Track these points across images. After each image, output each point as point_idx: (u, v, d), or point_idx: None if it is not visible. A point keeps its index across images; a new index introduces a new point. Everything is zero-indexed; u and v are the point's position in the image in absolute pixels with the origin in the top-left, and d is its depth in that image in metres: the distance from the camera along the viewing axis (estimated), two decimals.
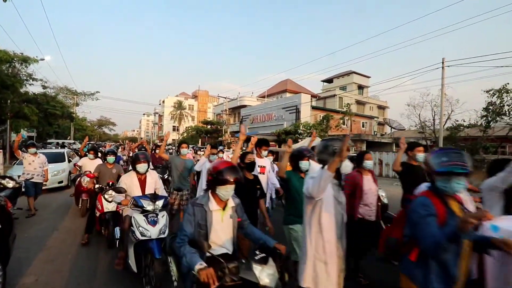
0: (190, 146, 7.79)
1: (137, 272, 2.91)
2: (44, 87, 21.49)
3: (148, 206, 2.92)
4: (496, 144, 14.04)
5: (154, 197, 3.00)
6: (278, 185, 4.45)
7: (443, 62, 13.83)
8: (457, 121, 15.21)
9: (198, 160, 6.66)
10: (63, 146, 19.64)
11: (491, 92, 13.33)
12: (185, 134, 39.82)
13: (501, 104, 13.10)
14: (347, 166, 2.04)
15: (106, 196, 4.15)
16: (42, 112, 20.02)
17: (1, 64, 13.53)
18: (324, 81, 40.76)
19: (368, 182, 3.23)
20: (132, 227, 2.88)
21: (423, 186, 2.42)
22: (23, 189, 5.68)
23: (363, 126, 30.10)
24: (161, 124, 58.49)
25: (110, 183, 4.26)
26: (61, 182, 8.65)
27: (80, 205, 5.80)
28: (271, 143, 4.62)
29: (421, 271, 1.57)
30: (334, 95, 33.45)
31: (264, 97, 36.95)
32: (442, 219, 1.51)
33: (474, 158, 12.17)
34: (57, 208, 6.46)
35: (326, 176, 1.73)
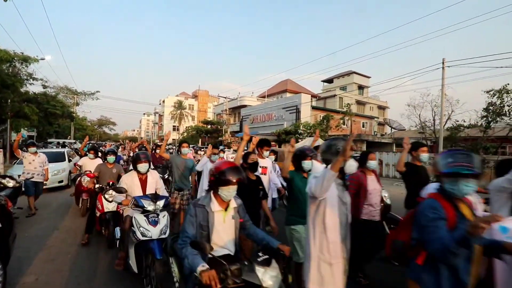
0: (190, 146, 7.78)
1: (137, 272, 2.90)
2: (44, 86, 21.50)
3: (149, 206, 2.90)
4: (496, 145, 14.04)
5: (155, 197, 2.99)
6: (279, 185, 4.43)
7: (443, 63, 13.83)
8: (457, 121, 15.23)
9: (198, 160, 6.66)
10: (63, 145, 19.64)
11: (491, 93, 13.33)
12: (185, 134, 39.82)
13: (501, 105, 13.10)
14: (351, 166, 2.01)
15: (106, 196, 4.14)
16: (42, 112, 20.04)
17: (1, 64, 13.53)
18: (324, 81, 40.78)
19: (372, 182, 3.21)
20: (132, 227, 2.86)
21: (431, 187, 2.36)
22: (23, 189, 5.69)
23: (363, 126, 30.10)
24: (161, 124, 58.52)
25: (111, 183, 4.25)
26: (61, 181, 8.66)
27: (80, 205, 5.80)
28: (271, 143, 4.59)
29: (430, 276, 1.54)
30: (334, 95, 33.45)
31: (264, 97, 36.95)
32: (452, 223, 1.47)
33: None
34: (57, 208, 6.46)
35: (330, 175, 1.71)
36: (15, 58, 14.65)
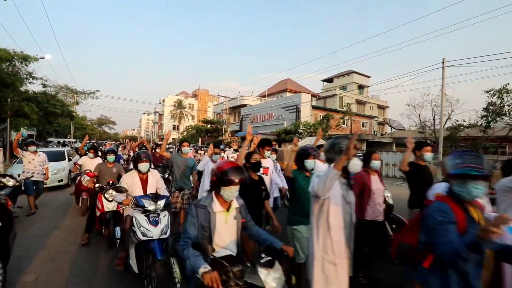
0: (191, 145, 7.77)
1: (138, 273, 2.89)
2: (44, 85, 21.54)
3: (150, 206, 2.89)
4: (496, 144, 14.05)
5: (155, 197, 2.97)
6: (281, 185, 4.39)
7: (443, 62, 13.82)
8: (457, 121, 15.26)
9: (199, 159, 6.63)
10: (64, 144, 19.63)
11: (491, 92, 13.35)
12: (185, 133, 39.81)
13: (501, 104, 13.12)
14: (355, 165, 1.96)
15: (106, 195, 4.12)
16: (42, 111, 20.02)
17: (1, 63, 13.50)
18: (324, 80, 40.74)
19: (375, 182, 3.20)
20: (133, 227, 2.85)
21: (438, 186, 2.32)
22: (23, 188, 5.69)
23: (363, 126, 30.10)
24: (161, 123, 58.50)
25: (111, 182, 4.24)
26: (61, 180, 8.65)
27: (80, 204, 5.80)
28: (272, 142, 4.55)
29: (438, 279, 1.50)
30: (334, 95, 33.44)
31: (264, 96, 36.93)
32: (462, 227, 1.43)
33: None
34: (58, 207, 6.46)
35: (332, 174, 1.69)
36: (15, 57, 14.62)
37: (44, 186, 6.53)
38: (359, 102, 35.67)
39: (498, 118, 13.34)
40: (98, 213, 4.27)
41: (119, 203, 3.14)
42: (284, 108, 26.31)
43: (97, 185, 4.28)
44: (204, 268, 1.50)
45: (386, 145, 22.03)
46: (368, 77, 39.28)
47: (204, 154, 7.21)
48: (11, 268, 3.02)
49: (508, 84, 12.87)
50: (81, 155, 7.48)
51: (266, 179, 3.70)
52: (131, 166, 7.83)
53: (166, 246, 2.78)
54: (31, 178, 5.81)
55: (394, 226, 3.77)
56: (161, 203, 2.97)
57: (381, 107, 39.45)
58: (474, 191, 1.44)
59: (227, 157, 7.07)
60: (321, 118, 22.05)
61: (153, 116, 71.31)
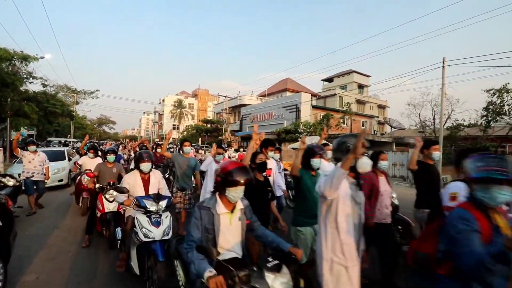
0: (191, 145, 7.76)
1: (139, 274, 2.85)
2: (44, 85, 21.57)
3: (151, 206, 2.85)
4: (496, 144, 14.04)
5: (157, 197, 2.94)
6: (283, 187, 4.32)
7: (443, 62, 13.81)
8: (457, 120, 15.25)
9: (200, 159, 6.63)
10: (65, 144, 19.64)
11: (491, 92, 13.34)
12: (185, 133, 39.82)
13: (501, 104, 13.11)
14: (364, 164, 1.85)
15: (107, 195, 4.08)
16: (42, 111, 20.03)
17: (1, 62, 13.50)
18: (324, 80, 40.73)
19: (383, 183, 3.11)
20: (134, 228, 2.81)
21: (454, 185, 2.23)
22: (23, 188, 5.69)
23: (363, 125, 30.09)
24: (161, 123, 58.48)
25: (111, 182, 4.20)
26: (62, 180, 8.66)
27: (80, 204, 5.79)
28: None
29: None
30: (334, 94, 33.45)
31: (264, 96, 36.93)
32: (486, 236, 1.33)
33: None
34: (58, 207, 6.46)
35: (339, 174, 1.63)
36: (15, 57, 14.61)
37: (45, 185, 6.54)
38: (359, 102, 35.67)
39: (498, 118, 13.32)
40: (98, 214, 4.24)
41: (121, 203, 3.10)
42: (284, 107, 26.31)
43: (97, 185, 4.24)
44: (209, 272, 1.46)
45: (386, 145, 22.02)
46: (368, 76, 39.27)
47: (204, 153, 7.21)
48: (12, 267, 3.02)
49: (508, 83, 12.86)
50: (81, 155, 7.49)
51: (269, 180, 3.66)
52: (132, 166, 7.82)
53: (168, 247, 2.74)
54: (31, 178, 5.81)
55: (399, 227, 3.68)
56: (163, 203, 2.94)
57: (381, 107, 39.44)
58: (499, 196, 1.34)
59: (229, 157, 7.07)
60: (321, 117, 22.05)
61: (153, 115, 71.29)
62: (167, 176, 6.80)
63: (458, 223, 1.38)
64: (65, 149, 10.42)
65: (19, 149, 5.94)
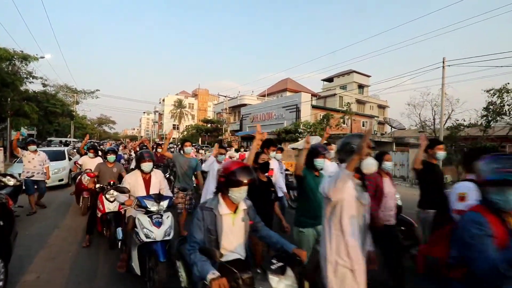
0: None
1: (140, 275, 2.83)
2: (44, 85, 21.59)
3: (152, 206, 2.83)
4: (496, 144, 14.03)
5: (158, 198, 2.92)
6: (284, 189, 4.27)
7: (443, 62, 13.82)
8: (457, 120, 15.22)
9: (201, 159, 6.62)
10: (66, 144, 19.64)
11: (491, 92, 13.32)
12: (185, 133, 39.82)
13: (501, 104, 13.09)
14: (369, 165, 1.79)
15: (107, 196, 4.04)
16: (42, 110, 20.05)
17: (1, 62, 13.50)
18: (324, 80, 40.73)
19: (387, 184, 3.07)
20: (135, 229, 2.79)
21: (462, 185, 2.17)
22: (23, 187, 5.69)
23: (363, 125, 30.09)
24: (161, 123, 58.49)
25: (111, 182, 4.16)
26: (62, 180, 8.66)
27: (81, 204, 5.80)
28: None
29: None
30: (335, 94, 33.46)
31: (264, 96, 36.93)
32: (501, 241, 1.28)
33: None
34: (58, 206, 6.46)
35: (344, 175, 1.60)
36: (15, 57, 14.62)
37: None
38: (359, 102, 35.67)
39: (498, 118, 13.31)
40: (99, 214, 4.22)
41: (122, 203, 3.09)
42: (284, 107, 26.31)
43: (97, 185, 4.22)
44: (212, 274, 1.44)
45: (386, 145, 22.02)
46: (368, 76, 39.27)
47: (205, 153, 7.20)
48: (12, 267, 3.03)
49: (508, 83, 12.84)
50: (81, 155, 7.49)
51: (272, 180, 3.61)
52: (132, 166, 7.81)
53: (169, 248, 2.73)
54: (31, 178, 5.81)
55: (402, 227, 3.64)
56: (164, 203, 2.92)
57: (381, 107, 39.44)
58: None
59: (230, 157, 7.06)
60: (321, 117, 22.05)
61: (153, 115, 71.30)
62: (167, 176, 6.80)
63: (471, 227, 1.33)
64: (65, 148, 10.42)
65: (19, 149, 5.95)
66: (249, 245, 1.95)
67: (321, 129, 20.09)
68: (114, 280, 3.17)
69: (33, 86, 20.49)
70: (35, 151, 6.02)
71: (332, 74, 39.15)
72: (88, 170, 5.36)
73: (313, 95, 32.02)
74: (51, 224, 5.14)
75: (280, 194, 4.45)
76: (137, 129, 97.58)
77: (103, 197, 4.13)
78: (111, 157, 4.71)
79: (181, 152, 4.90)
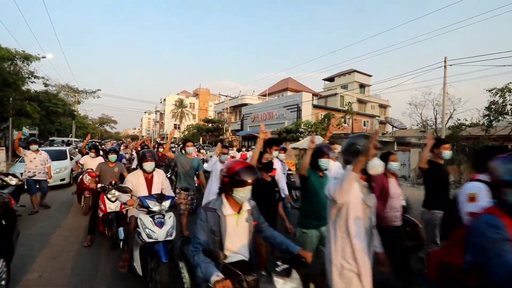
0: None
1: (142, 275, 2.82)
2: (45, 85, 21.59)
3: (154, 206, 2.82)
4: (498, 144, 13.97)
5: (160, 197, 2.91)
6: (286, 191, 4.21)
7: (445, 61, 13.78)
8: (459, 120, 15.17)
9: (202, 159, 6.60)
10: (68, 144, 19.71)
11: (493, 91, 13.26)
12: (186, 132, 39.87)
13: (504, 103, 13.03)
14: (376, 165, 1.73)
15: (109, 195, 4.06)
16: (44, 110, 20.11)
17: (3, 62, 13.55)
18: (325, 79, 40.66)
19: (393, 185, 3.03)
20: (138, 229, 2.78)
21: (471, 186, 2.10)
22: (25, 187, 5.71)
23: (364, 125, 30.05)
24: (162, 122, 58.60)
25: (113, 182, 4.16)
26: (63, 179, 8.68)
27: (82, 203, 5.81)
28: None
29: None
30: (336, 94, 33.42)
31: (265, 95, 36.91)
32: None
33: None
34: (60, 206, 6.48)
35: (350, 177, 1.56)
36: (17, 56, 14.67)
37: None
38: (360, 101, 35.59)
39: (500, 117, 13.25)
40: (100, 214, 4.22)
41: (124, 203, 3.07)
42: (285, 107, 26.29)
43: (99, 185, 4.21)
44: (216, 276, 1.42)
45: (388, 145, 21.98)
46: (370, 76, 39.18)
47: (206, 153, 7.20)
48: (15, 266, 3.04)
49: (511, 82, 12.78)
50: (83, 154, 7.51)
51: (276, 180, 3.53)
52: (133, 166, 7.81)
53: (171, 248, 2.71)
54: (33, 178, 5.81)
55: (407, 228, 3.61)
56: (166, 203, 2.90)
57: (383, 106, 39.36)
58: None
59: (232, 157, 7.05)
60: (322, 117, 22.03)
61: (154, 115, 71.41)
62: (168, 176, 6.81)
63: (487, 231, 1.26)
64: (67, 148, 10.45)
65: (21, 148, 5.95)
66: (253, 246, 1.92)
67: (322, 129, 20.07)
68: (115, 280, 3.18)
69: (35, 86, 20.53)
70: (37, 150, 6.03)
71: (333, 74, 39.08)
72: (89, 170, 5.37)
73: (314, 94, 31.97)
74: (53, 223, 5.15)
75: (282, 195, 4.40)
76: (138, 129, 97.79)
77: (105, 197, 4.13)
78: (113, 157, 4.71)
79: (183, 152, 4.89)
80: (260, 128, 2.74)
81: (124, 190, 3.00)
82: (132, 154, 10.53)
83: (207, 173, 4.91)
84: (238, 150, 12.34)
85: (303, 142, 18.12)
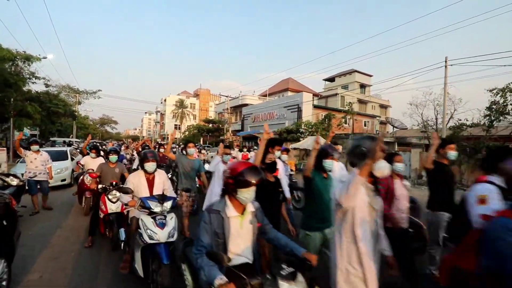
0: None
1: (144, 277, 2.80)
2: (46, 85, 21.66)
3: (156, 207, 2.80)
4: (499, 144, 13.94)
5: (162, 198, 2.88)
6: (288, 194, 4.11)
7: (446, 61, 13.76)
8: (460, 120, 15.14)
9: (204, 159, 6.58)
10: (69, 144, 19.74)
11: (494, 91, 13.23)
12: (186, 133, 39.90)
13: (505, 103, 13.00)
14: (383, 167, 1.69)
15: (110, 196, 4.05)
16: (45, 111, 20.17)
17: (4, 63, 13.59)
18: (326, 79, 40.64)
19: (399, 186, 2.98)
20: (139, 230, 2.77)
21: (481, 187, 2.03)
22: (26, 187, 5.72)
23: (365, 125, 30.03)
24: (163, 123, 58.64)
25: (114, 183, 4.17)
26: (64, 180, 8.69)
27: (83, 204, 5.81)
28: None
29: None
30: (336, 94, 33.39)
31: (265, 95, 36.91)
32: None
33: (477, 158, 12.11)
34: (60, 206, 6.49)
35: (357, 181, 1.54)
36: (18, 57, 14.72)
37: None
38: (361, 101, 35.56)
39: (501, 117, 13.23)
40: (101, 215, 4.21)
41: (125, 204, 3.06)
42: (285, 107, 26.28)
43: (100, 186, 4.19)
44: (220, 279, 1.41)
45: (388, 145, 21.95)
46: (370, 76, 39.15)
47: (207, 154, 7.19)
48: (16, 267, 3.05)
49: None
50: (84, 155, 7.52)
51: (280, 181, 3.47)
52: (134, 166, 7.80)
53: (173, 250, 2.69)
54: (34, 178, 5.82)
55: (411, 230, 3.66)
56: (168, 204, 2.88)
57: (383, 106, 39.32)
58: None
59: (232, 157, 7.03)
60: (322, 117, 22.01)
61: (155, 115, 71.48)
62: (169, 176, 6.81)
63: (506, 235, 1.20)
64: (68, 148, 10.46)
65: (21, 149, 5.96)
66: (257, 248, 1.90)
67: (323, 129, 20.05)
68: (116, 281, 3.17)
69: (36, 87, 20.60)
70: (38, 151, 6.03)
71: (333, 74, 39.06)
72: (90, 170, 5.37)
73: (315, 95, 31.95)
74: (54, 224, 5.16)
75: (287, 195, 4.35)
76: (139, 129, 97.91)
77: (106, 197, 4.12)
78: (113, 157, 4.69)
79: (183, 152, 4.86)
80: (264, 128, 2.70)
81: (125, 191, 2.98)
82: (133, 155, 10.54)
83: (208, 174, 4.88)
84: (240, 150, 12.33)
85: (304, 143, 18.11)
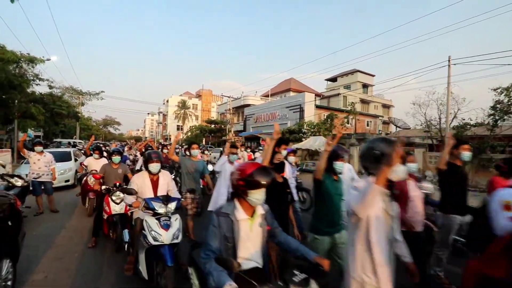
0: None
1: (148, 280, 2.76)
2: (50, 87, 21.84)
3: (160, 208, 2.77)
4: (504, 143, 13.82)
5: (166, 199, 2.86)
6: (296, 197, 4.07)
7: (449, 60, 13.67)
8: (464, 119, 15.03)
9: (207, 160, 6.55)
10: (74, 145, 19.88)
11: (498, 90, 13.12)
12: (189, 134, 40.01)
13: (509, 103, 12.89)
14: (399, 172, 1.62)
15: (113, 197, 4.04)
16: (49, 112, 20.37)
17: (8, 65, 13.72)
18: (328, 80, 40.55)
19: (413, 188, 2.89)
20: (143, 231, 2.73)
21: (506, 192, 1.91)
22: (31, 188, 5.76)
23: (367, 125, 29.89)
24: (165, 124, 58.86)
25: (117, 184, 4.16)
26: (68, 181, 8.75)
27: (87, 205, 5.84)
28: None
29: None
30: (338, 94, 33.30)
31: (267, 96, 36.90)
32: None
33: (481, 157, 12.01)
34: (64, 207, 6.53)
35: (373, 191, 1.45)
36: (22, 59, 14.86)
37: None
38: (363, 101, 35.44)
39: (505, 117, 13.11)
40: (105, 216, 4.20)
41: (129, 205, 3.04)
42: (287, 107, 26.24)
43: (103, 187, 4.19)
44: (229, 285, 1.36)
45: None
46: (373, 76, 38.99)
47: (210, 154, 7.17)
48: (21, 267, 3.07)
49: None
50: (87, 156, 7.57)
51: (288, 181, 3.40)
52: (137, 167, 7.82)
53: (177, 251, 2.66)
54: (38, 179, 5.86)
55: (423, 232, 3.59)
56: (172, 205, 2.85)
57: (386, 106, 39.15)
58: None
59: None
60: (325, 117, 21.96)
61: (157, 116, 71.83)
62: (173, 177, 6.81)
63: None
64: (71, 149, 10.53)
65: (25, 150, 5.99)
66: (266, 252, 1.86)
67: (325, 129, 20.00)
68: (120, 283, 3.17)
69: (40, 88, 20.85)
70: (41, 152, 6.06)
71: (335, 74, 38.95)
72: (93, 171, 5.40)
73: (317, 95, 31.89)
74: (58, 224, 5.19)
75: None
76: (142, 130, 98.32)
77: (109, 198, 4.11)
78: (116, 158, 4.71)
79: (187, 153, 4.85)
80: (274, 128, 2.61)
81: (129, 192, 2.96)
82: (136, 156, 10.58)
83: (212, 174, 4.83)
84: (246, 150, 12.30)
85: (306, 143, 18.08)
